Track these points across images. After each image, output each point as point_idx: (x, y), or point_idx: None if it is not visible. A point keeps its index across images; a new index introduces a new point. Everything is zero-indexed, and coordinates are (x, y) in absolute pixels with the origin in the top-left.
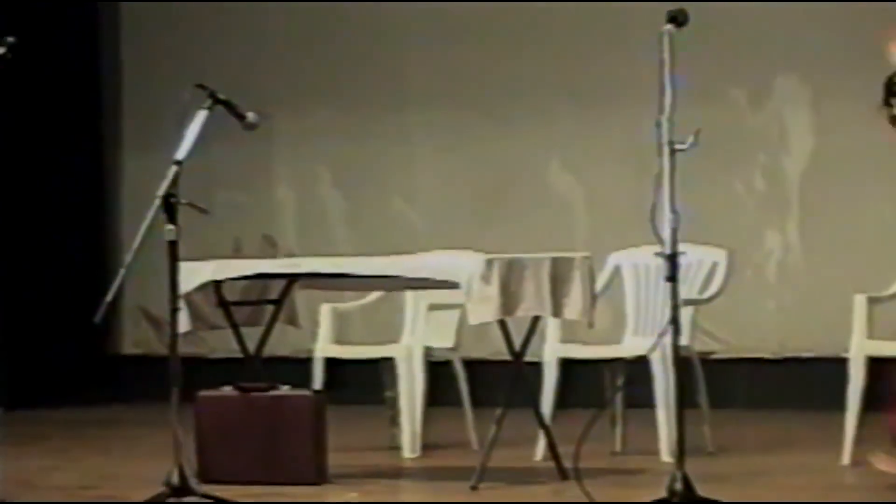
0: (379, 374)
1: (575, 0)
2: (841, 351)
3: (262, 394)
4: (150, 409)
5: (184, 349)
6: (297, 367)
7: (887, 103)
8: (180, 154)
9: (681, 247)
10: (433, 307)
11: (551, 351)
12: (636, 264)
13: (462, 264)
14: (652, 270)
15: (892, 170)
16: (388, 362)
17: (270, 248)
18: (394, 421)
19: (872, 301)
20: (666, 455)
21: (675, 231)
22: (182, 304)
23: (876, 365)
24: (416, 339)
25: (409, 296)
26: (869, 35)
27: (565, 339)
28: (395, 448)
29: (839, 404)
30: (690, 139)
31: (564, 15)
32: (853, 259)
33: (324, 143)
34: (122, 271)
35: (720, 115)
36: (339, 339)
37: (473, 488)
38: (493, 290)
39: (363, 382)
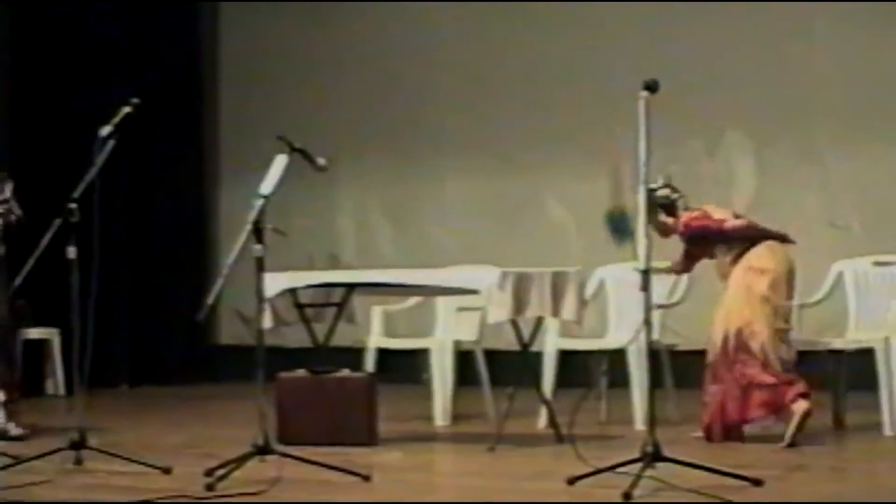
0: (418, 360)
1: (565, 72)
2: None
3: (327, 375)
4: (240, 388)
5: (267, 341)
6: (355, 355)
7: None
8: (265, 189)
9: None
10: (460, 309)
11: (552, 343)
12: (617, 277)
13: (482, 276)
14: (629, 282)
15: (813, 200)
16: (425, 352)
17: (334, 262)
18: (429, 397)
19: (802, 306)
20: (640, 424)
21: (647, 251)
22: (266, 305)
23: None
24: (447, 333)
25: (441, 300)
26: (801, 96)
27: (562, 334)
28: (430, 418)
29: None
30: (660, 181)
31: (561, 84)
32: None
33: (375, 182)
34: (220, 280)
35: (682, 161)
36: (387, 333)
37: (490, 449)
38: (507, 296)
39: (406, 367)
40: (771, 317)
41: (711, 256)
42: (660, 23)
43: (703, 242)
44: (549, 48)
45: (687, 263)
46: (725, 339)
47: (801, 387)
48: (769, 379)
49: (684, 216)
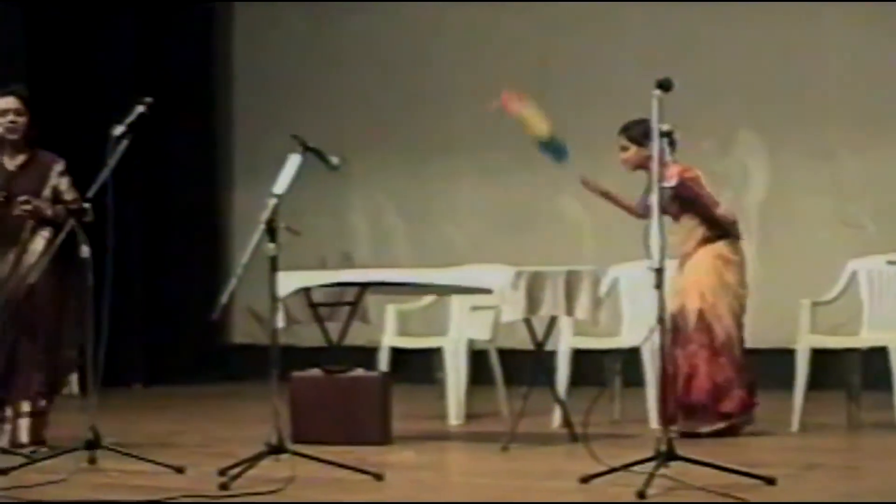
0: (432, 359)
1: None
2: (789, 343)
3: (341, 375)
4: (253, 387)
5: (281, 340)
6: (368, 355)
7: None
8: (278, 189)
9: (666, 262)
10: (474, 308)
11: (565, 342)
12: (631, 275)
13: (496, 275)
14: (643, 280)
15: (826, 200)
16: (438, 351)
17: (347, 262)
18: (443, 396)
19: (815, 304)
20: (653, 423)
21: (661, 249)
22: (280, 304)
23: (818, 355)
24: (460, 332)
25: (455, 299)
26: (814, 95)
27: (576, 333)
28: (444, 417)
29: (787, 386)
30: (675, 179)
31: (574, 82)
32: (800, 271)
33: (388, 180)
34: (233, 279)
35: (696, 160)
36: (401, 332)
37: (504, 449)
38: (521, 295)
39: (419, 366)
40: (735, 306)
41: (675, 218)
42: (672, 22)
43: (683, 204)
44: (561, 46)
45: (648, 209)
46: (680, 316)
47: (734, 401)
48: (716, 377)
49: (676, 167)
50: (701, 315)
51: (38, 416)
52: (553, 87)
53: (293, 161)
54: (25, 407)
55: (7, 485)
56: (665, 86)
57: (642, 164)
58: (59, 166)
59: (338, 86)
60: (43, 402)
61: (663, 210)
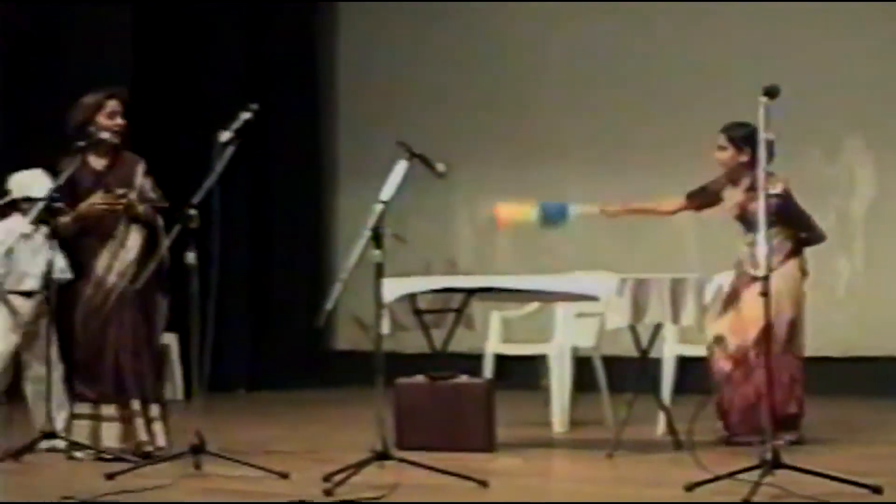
0: (536, 366)
1: (682, 75)
2: None
3: (446, 381)
4: (357, 393)
5: (385, 346)
6: (473, 362)
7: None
8: (385, 195)
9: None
10: (579, 315)
11: (670, 350)
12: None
13: (601, 282)
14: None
15: None
16: (543, 358)
17: (451, 268)
18: (547, 403)
19: None
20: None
21: (768, 258)
22: (385, 311)
23: None
24: (565, 339)
25: (560, 306)
26: None
27: (681, 341)
28: (548, 424)
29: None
30: (780, 186)
31: (679, 87)
32: None
33: (494, 187)
34: (338, 285)
35: (801, 168)
36: (506, 339)
37: (609, 456)
38: (626, 302)
39: (524, 373)
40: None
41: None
42: (778, 27)
43: (779, 216)
44: (666, 51)
45: (688, 206)
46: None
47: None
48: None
49: (780, 179)
50: (791, 324)
51: (164, 420)
52: (658, 91)
53: (400, 168)
54: (154, 411)
55: (114, 489)
56: (771, 93)
57: (735, 168)
58: (143, 167)
59: (444, 88)
60: (158, 406)
61: (743, 217)
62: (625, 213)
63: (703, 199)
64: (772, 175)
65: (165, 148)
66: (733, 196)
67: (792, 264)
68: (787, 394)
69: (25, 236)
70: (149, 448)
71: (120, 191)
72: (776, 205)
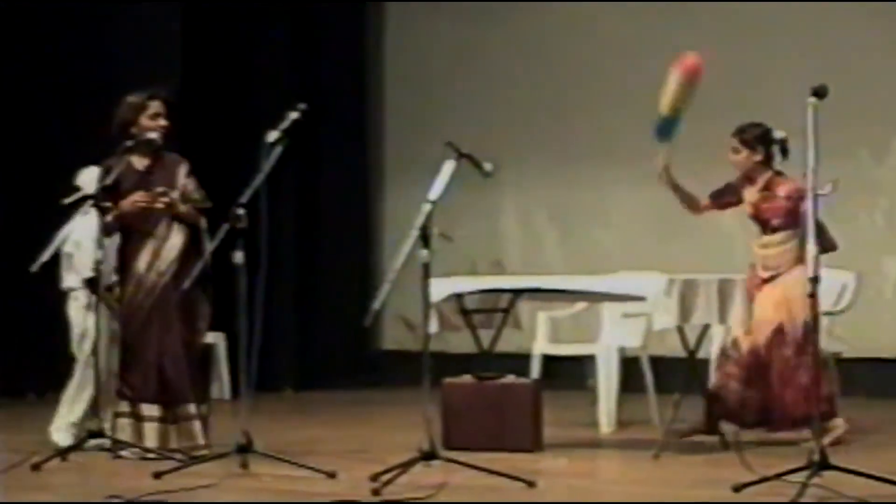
0: (583, 367)
1: (730, 76)
2: None
3: (493, 381)
4: (403, 393)
5: (432, 346)
6: (520, 361)
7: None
8: (433, 195)
9: (820, 271)
10: (626, 315)
11: (718, 350)
12: None
13: (648, 282)
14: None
15: None
16: (590, 358)
17: (498, 268)
18: (594, 403)
19: None
20: (806, 432)
21: (816, 258)
22: (432, 311)
23: None
24: (612, 339)
25: (607, 306)
26: None
27: None
28: (595, 424)
29: None
30: (829, 187)
31: (727, 88)
32: None
33: (541, 188)
34: (385, 285)
35: (849, 169)
36: (553, 339)
37: (655, 456)
38: (673, 302)
39: (570, 373)
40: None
41: (772, 229)
42: (825, 27)
43: (798, 217)
44: (712, 50)
45: (712, 205)
46: (784, 329)
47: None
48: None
49: (793, 180)
50: (807, 327)
51: (204, 420)
52: (706, 91)
53: (447, 167)
54: (192, 410)
55: (160, 488)
56: (820, 93)
57: (751, 169)
58: (185, 167)
59: (490, 88)
60: (205, 407)
61: (756, 217)
62: (671, 186)
63: (726, 198)
64: (781, 175)
65: (213, 148)
66: (749, 196)
67: (801, 269)
68: (803, 394)
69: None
70: (201, 450)
71: (160, 189)
72: (789, 208)
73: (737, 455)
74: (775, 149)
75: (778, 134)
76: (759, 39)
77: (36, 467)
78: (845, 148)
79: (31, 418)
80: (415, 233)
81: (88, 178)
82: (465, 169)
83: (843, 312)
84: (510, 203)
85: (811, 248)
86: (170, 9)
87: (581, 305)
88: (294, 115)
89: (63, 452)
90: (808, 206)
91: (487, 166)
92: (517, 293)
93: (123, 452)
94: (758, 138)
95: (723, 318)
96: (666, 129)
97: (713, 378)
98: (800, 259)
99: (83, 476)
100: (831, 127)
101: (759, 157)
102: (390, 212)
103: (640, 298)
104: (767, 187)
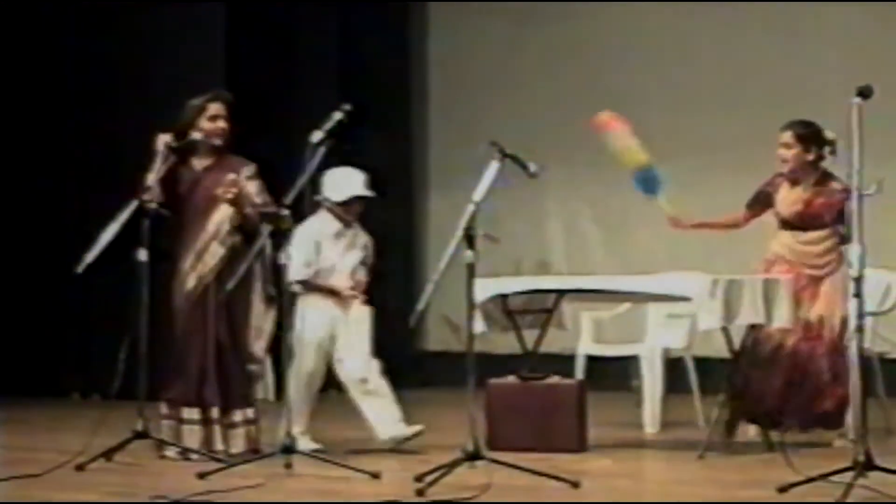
0: (627, 367)
1: (771, 74)
2: None
3: (538, 382)
4: (448, 394)
5: (476, 347)
6: (565, 362)
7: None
8: (477, 196)
9: (865, 271)
10: (670, 315)
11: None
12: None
13: (693, 282)
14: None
15: None
16: (634, 358)
17: (542, 268)
18: (638, 404)
19: None
20: (852, 433)
21: (861, 258)
22: (476, 311)
23: None
24: (657, 340)
25: (651, 306)
26: None
27: None
28: (639, 425)
29: None
30: (874, 187)
31: (768, 86)
32: None
33: (585, 188)
34: (430, 286)
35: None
36: (597, 340)
37: (700, 457)
38: (718, 303)
39: (615, 374)
40: None
41: (809, 228)
42: (870, 25)
43: (840, 218)
44: (755, 49)
45: (751, 215)
46: (823, 326)
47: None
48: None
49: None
50: (844, 322)
51: (253, 424)
52: (747, 89)
53: (492, 168)
54: (238, 416)
55: (205, 489)
56: (865, 93)
57: (800, 167)
58: (248, 170)
59: (534, 88)
60: (253, 411)
61: (806, 214)
62: (693, 229)
63: (761, 204)
64: (831, 175)
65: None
66: (791, 194)
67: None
68: (820, 390)
69: (337, 235)
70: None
71: (231, 177)
72: (842, 206)
73: (781, 455)
74: (826, 150)
75: (829, 135)
76: (805, 39)
77: (80, 468)
78: (888, 148)
79: (76, 419)
80: (459, 233)
81: (332, 181)
82: (510, 169)
83: (888, 312)
84: (554, 204)
85: (856, 248)
86: (214, 9)
87: (625, 306)
88: (338, 115)
89: (107, 453)
90: (852, 205)
91: (533, 167)
92: (561, 293)
93: (169, 453)
94: (811, 136)
95: (768, 318)
96: (643, 183)
97: (746, 377)
98: (842, 258)
99: (128, 476)
100: (878, 128)
101: (811, 157)
102: (435, 212)
103: (685, 299)
104: (819, 185)
